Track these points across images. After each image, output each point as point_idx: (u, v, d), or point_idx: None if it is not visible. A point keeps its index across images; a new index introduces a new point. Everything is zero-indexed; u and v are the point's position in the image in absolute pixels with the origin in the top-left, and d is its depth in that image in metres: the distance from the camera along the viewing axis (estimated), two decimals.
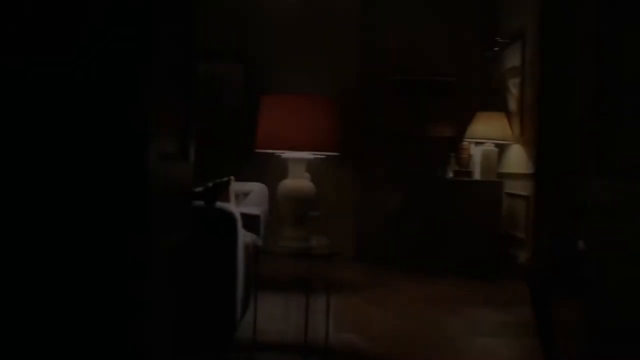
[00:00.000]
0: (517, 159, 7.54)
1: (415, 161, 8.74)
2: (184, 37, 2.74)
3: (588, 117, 5.85)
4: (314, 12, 8.58)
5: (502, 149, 7.92)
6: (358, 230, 8.62)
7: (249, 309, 4.73)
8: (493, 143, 7.74)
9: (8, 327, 1.97)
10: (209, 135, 7.90)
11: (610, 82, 2.77)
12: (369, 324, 5.46)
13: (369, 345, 4.78)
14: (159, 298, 2.41)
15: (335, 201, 8.43)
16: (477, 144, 8.00)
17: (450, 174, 7.95)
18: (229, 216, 4.04)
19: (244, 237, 4.86)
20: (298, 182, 4.49)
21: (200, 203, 4.11)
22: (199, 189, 4.53)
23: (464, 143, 7.93)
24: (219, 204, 4.09)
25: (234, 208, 4.12)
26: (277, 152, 4.51)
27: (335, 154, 4.62)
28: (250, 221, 6.37)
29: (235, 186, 6.56)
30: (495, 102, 8.06)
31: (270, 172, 6.86)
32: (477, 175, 7.98)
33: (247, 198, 6.34)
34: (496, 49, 8.18)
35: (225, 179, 4.62)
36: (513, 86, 7.64)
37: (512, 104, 7.68)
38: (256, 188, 6.54)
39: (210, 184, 4.10)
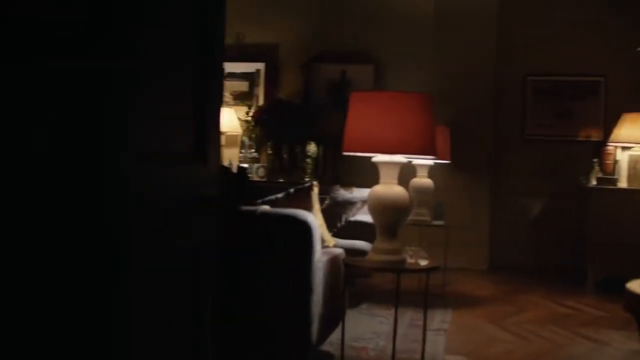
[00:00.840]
0: None
1: (556, 167, 7.95)
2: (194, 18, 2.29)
3: None
4: (447, 11, 7.97)
5: None
6: (491, 241, 7.93)
7: (337, 327, 4.25)
8: None
9: None
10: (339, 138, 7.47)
11: None
12: (484, 345, 4.84)
13: None
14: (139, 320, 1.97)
15: (465, 210, 7.79)
16: (624, 148, 7.11)
17: (593, 182, 7.11)
18: (302, 225, 3.58)
19: (335, 248, 4.39)
20: (390, 188, 3.96)
21: (264, 209, 3.68)
22: (278, 195, 4.10)
23: (609, 148, 7.07)
24: (292, 211, 3.64)
25: (312, 216, 3.66)
26: (368, 155, 4.01)
27: (430, 157, 4.05)
28: (365, 229, 5.91)
29: (356, 192, 6.10)
30: None
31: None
32: (623, 183, 7.08)
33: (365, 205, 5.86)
34: None
35: (307, 184, 4.16)
36: None
37: None
38: None
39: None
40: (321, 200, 6.45)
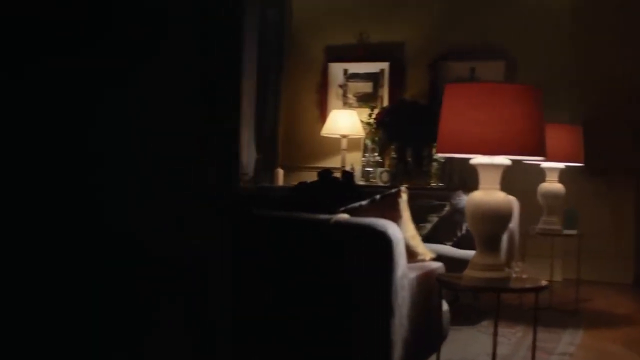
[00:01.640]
0: None
1: None
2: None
3: None
4: (586, 3, 7.17)
5: None
6: (637, 252, 7.02)
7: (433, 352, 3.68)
8: None
9: None
10: None
11: None
12: None
13: None
14: None
15: (603, 218, 6.95)
16: None
17: None
18: (380, 237, 3.06)
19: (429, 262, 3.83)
20: (490, 194, 3.37)
21: (340, 217, 3.18)
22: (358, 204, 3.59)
23: None
24: (370, 221, 3.13)
25: (394, 226, 3.13)
26: (464, 156, 3.44)
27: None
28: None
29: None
30: None
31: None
32: None
33: None
34: None
35: (394, 189, 3.62)
36: None
37: None
38: None
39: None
40: (440, 207, 5.89)
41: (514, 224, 5.40)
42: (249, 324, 3.10)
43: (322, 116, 7.81)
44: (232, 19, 2.05)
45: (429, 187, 7.08)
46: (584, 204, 6.56)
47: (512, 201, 3.43)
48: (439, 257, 5.13)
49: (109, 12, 1.69)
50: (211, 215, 1.94)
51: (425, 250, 3.73)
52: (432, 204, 5.90)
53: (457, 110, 3.40)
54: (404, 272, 3.18)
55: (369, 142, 7.51)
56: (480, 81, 7.07)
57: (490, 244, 3.37)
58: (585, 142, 5.67)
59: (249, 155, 8.29)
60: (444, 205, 5.80)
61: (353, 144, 7.61)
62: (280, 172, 7.76)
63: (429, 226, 5.81)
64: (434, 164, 7.15)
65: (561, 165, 5.59)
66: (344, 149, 7.53)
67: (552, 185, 5.69)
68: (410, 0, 7.69)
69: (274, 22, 7.99)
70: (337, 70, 7.92)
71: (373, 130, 7.47)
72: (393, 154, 7.43)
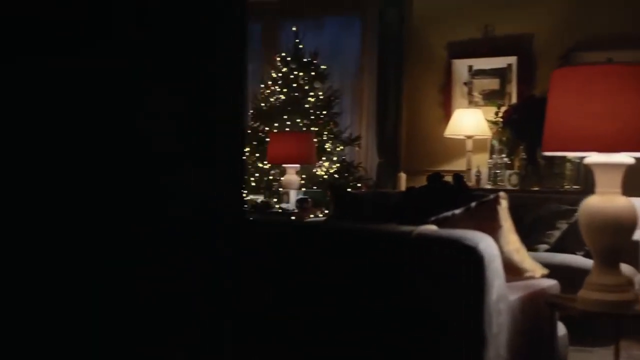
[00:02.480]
0: None
1: None
2: None
3: None
4: None
5: None
6: None
7: None
8: None
9: None
10: None
11: None
12: None
13: None
14: None
15: None
16: None
17: None
18: (469, 252, 2.52)
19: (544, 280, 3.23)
20: (609, 200, 2.76)
21: (425, 229, 2.65)
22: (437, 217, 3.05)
23: None
24: (459, 234, 2.59)
25: (488, 240, 2.58)
26: (577, 154, 2.85)
27: None
28: (634, 251, 4.63)
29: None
30: None
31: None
32: None
33: None
34: None
35: (492, 195, 3.05)
36: None
37: None
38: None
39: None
40: (570, 213, 5.20)
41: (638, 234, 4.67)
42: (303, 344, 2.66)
43: (446, 116, 7.24)
44: (233, 17, 1.69)
45: (562, 190, 6.37)
46: None
47: (636, 207, 2.79)
48: (567, 270, 4.47)
49: (109, 13, 1.60)
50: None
51: (535, 266, 3.13)
52: (561, 209, 5.23)
53: (566, 100, 2.81)
54: (501, 295, 2.62)
55: (495, 143, 6.87)
56: None
57: (609, 259, 2.75)
58: None
59: (370, 160, 7.85)
60: (574, 211, 5.11)
61: (479, 145, 6.99)
62: (403, 176, 7.26)
63: (557, 234, 5.15)
64: (568, 164, 6.43)
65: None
66: (469, 151, 6.92)
67: None
68: None
69: (393, 20, 7.50)
70: (461, 67, 7.32)
71: (500, 129, 6.83)
72: (522, 155, 6.75)
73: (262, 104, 7.88)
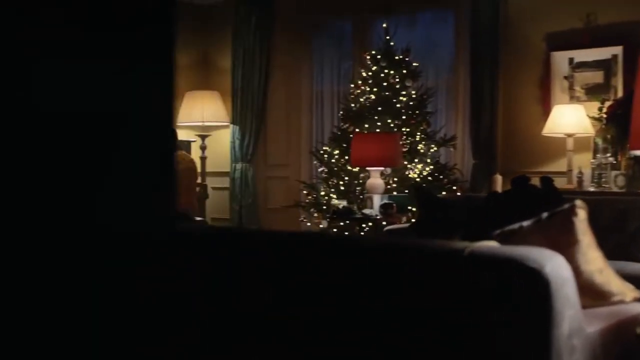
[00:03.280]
0: None
1: None
2: None
3: None
4: None
5: None
6: None
7: None
8: None
9: None
10: None
11: None
12: None
13: None
14: None
15: None
16: None
17: None
18: (531, 276, 2.02)
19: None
20: None
21: (481, 246, 2.16)
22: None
23: None
24: (521, 252, 2.10)
25: (559, 260, 2.07)
26: None
27: None
28: None
29: None
30: None
31: None
32: None
33: None
34: None
35: (567, 205, 2.50)
36: None
37: None
38: None
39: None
40: None
41: None
42: None
43: (545, 113, 6.61)
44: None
45: None
46: None
47: None
48: None
49: None
50: None
51: (624, 287, 2.58)
52: None
53: None
54: (574, 327, 2.11)
55: (599, 141, 6.20)
56: None
57: None
58: None
59: (467, 161, 7.30)
60: None
61: (581, 143, 6.33)
62: (499, 178, 6.67)
63: None
64: None
65: None
66: (570, 150, 6.28)
67: None
68: None
69: (487, 12, 6.94)
70: (560, 59, 6.67)
71: (604, 126, 6.16)
72: (629, 154, 6.05)
73: (352, 105, 7.48)
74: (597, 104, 6.24)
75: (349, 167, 7.05)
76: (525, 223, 2.52)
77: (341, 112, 7.68)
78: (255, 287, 2.53)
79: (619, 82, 6.34)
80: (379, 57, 7.37)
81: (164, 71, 1.23)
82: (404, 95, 7.25)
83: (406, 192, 6.71)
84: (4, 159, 1.13)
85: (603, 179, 6.06)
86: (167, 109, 1.22)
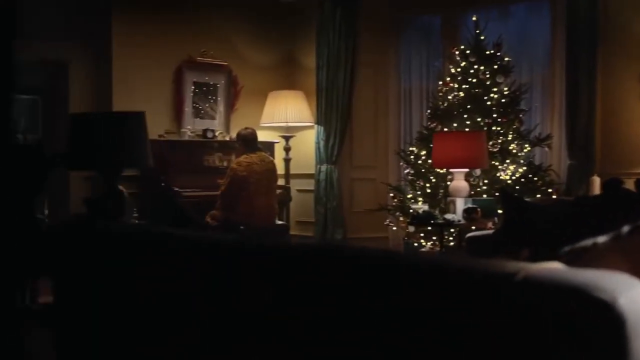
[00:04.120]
0: None
1: None
2: None
3: None
4: None
5: None
6: None
7: None
8: None
9: None
10: None
11: None
12: None
13: None
14: None
15: None
16: None
17: None
18: (598, 311, 1.55)
19: None
20: None
21: (537, 270, 1.69)
22: None
23: None
24: (589, 278, 1.62)
25: None
26: None
27: None
28: None
29: None
30: None
31: None
32: None
33: None
34: None
35: None
36: None
37: None
38: None
39: None
40: None
41: None
42: None
43: None
44: None
45: None
46: None
47: None
48: None
49: None
50: None
51: None
52: None
53: None
54: None
55: None
56: None
57: None
58: None
59: (563, 162, 6.70)
60: None
61: None
62: (597, 180, 6.06)
63: None
64: None
65: None
66: None
67: None
68: None
69: (584, 4, 6.31)
70: None
71: None
72: None
73: (440, 103, 7.00)
74: None
75: (439, 170, 6.57)
76: (602, 239, 2.02)
77: (428, 111, 7.21)
78: (255, 287, 2.14)
79: None
80: (468, 52, 6.87)
81: None
82: (495, 92, 6.74)
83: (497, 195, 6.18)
84: None
85: None
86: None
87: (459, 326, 1.76)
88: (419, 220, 5.41)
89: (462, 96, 6.81)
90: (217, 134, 7.58)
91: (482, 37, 6.91)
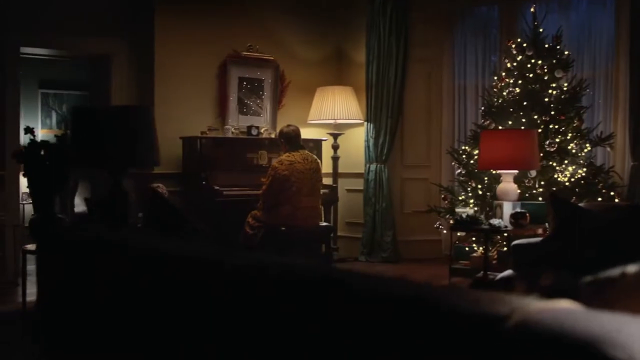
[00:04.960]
0: None
1: None
2: None
3: None
4: None
5: None
6: None
7: None
8: None
9: None
10: None
11: None
12: None
13: None
14: None
15: None
16: None
17: None
18: None
19: None
20: None
21: (547, 312, 1.26)
22: None
23: None
24: (602, 326, 1.18)
25: None
26: None
27: None
28: None
29: None
30: None
31: None
32: None
33: None
34: None
35: None
36: None
37: None
38: None
39: None
40: None
41: None
42: None
43: None
44: None
45: None
46: None
47: None
48: None
49: None
50: None
51: None
52: None
53: None
54: None
55: None
56: None
57: None
58: None
59: (626, 163, 6.12)
60: None
61: None
62: None
63: None
64: None
65: None
66: None
67: None
68: None
69: None
70: None
71: None
72: None
73: (495, 99, 6.50)
74: None
75: (493, 171, 6.07)
76: (633, 268, 1.56)
77: (482, 108, 6.71)
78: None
79: None
80: (525, 45, 6.34)
81: None
82: (553, 88, 6.21)
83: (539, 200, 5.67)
84: None
85: None
86: None
87: None
88: (462, 225, 4.94)
89: (517, 92, 6.31)
90: (262, 130, 7.24)
91: (541, 30, 6.39)
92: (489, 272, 5.00)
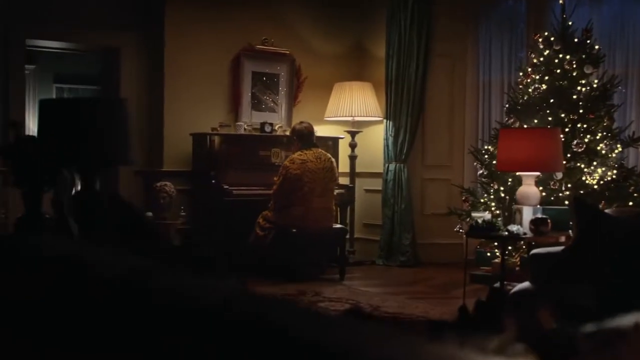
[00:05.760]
0: None
1: None
2: None
3: None
4: None
5: None
6: None
7: None
8: None
9: None
10: None
11: None
12: None
13: None
14: None
15: None
16: None
17: None
18: None
19: None
20: None
21: None
22: None
23: None
24: None
25: None
26: None
27: None
28: None
29: None
30: None
31: None
32: None
33: None
34: None
35: None
36: None
37: None
38: None
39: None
40: None
41: None
42: None
43: None
44: None
45: None
46: None
47: None
48: None
49: None
50: None
51: None
52: None
53: None
54: None
55: None
56: None
57: None
58: None
59: None
60: None
61: None
62: None
63: None
64: None
65: None
66: None
67: None
68: None
69: None
70: None
71: None
72: None
73: (520, 97, 6.07)
74: None
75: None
76: None
77: (506, 105, 6.29)
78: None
79: None
80: (552, 39, 5.90)
81: None
82: (582, 85, 5.77)
83: (563, 203, 5.23)
84: None
85: None
86: None
87: None
88: (477, 231, 4.53)
89: (544, 89, 5.87)
90: (276, 127, 6.89)
91: (570, 23, 5.94)
92: (507, 282, 4.59)
